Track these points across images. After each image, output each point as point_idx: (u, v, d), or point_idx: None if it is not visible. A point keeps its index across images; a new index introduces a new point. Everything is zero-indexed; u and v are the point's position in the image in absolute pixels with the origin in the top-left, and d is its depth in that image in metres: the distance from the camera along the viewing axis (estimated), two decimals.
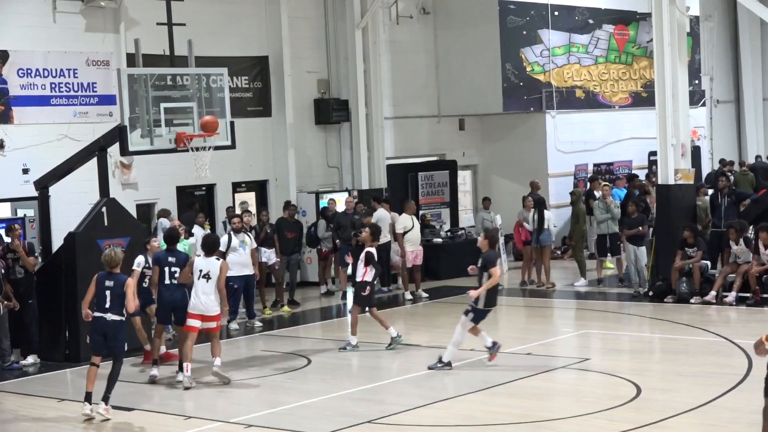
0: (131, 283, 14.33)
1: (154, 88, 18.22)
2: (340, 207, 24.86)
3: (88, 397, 14.08)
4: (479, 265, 16.64)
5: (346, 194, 26.09)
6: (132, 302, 14.11)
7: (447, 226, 28.11)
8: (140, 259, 17.11)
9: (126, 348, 14.82)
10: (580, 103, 30.89)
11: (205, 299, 15.88)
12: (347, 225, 23.43)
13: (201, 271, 15.97)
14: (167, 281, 16.33)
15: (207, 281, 15.90)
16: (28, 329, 18.28)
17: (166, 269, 16.36)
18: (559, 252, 28.26)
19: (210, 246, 16.43)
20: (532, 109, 29.77)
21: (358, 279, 18.18)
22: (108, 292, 14.11)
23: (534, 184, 27.10)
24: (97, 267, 17.99)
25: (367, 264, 18.05)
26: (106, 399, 14.03)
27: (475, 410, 13.90)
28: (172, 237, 17.02)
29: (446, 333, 19.55)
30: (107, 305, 14.05)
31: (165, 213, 22.48)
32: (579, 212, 24.94)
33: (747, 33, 37.69)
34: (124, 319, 14.27)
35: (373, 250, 18.25)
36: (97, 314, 14.13)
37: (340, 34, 27.52)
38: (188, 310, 16.01)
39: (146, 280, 17.08)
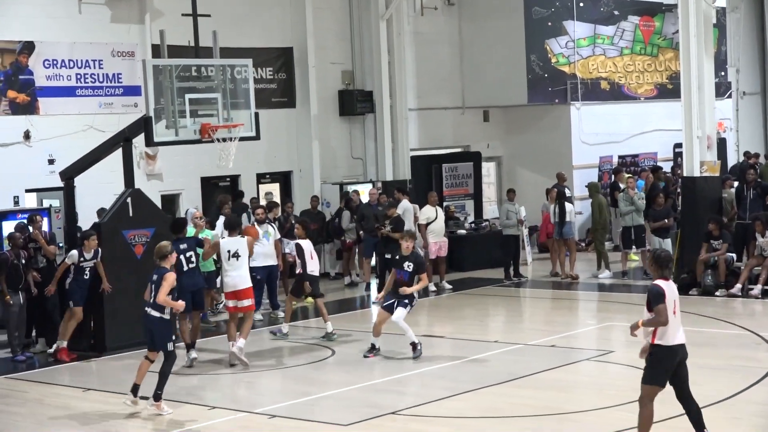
0: (167, 278, 13.79)
1: (179, 79, 18.27)
2: (365, 198, 24.86)
3: (134, 389, 13.95)
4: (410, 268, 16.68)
5: (370, 185, 26.09)
6: (162, 295, 13.64)
7: (471, 218, 28.09)
8: (74, 254, 17.68)
9: (171, 346, 13.91)
10: (605, 95, 30.77)
11: (235, 275, 16.63)
12: (371, 216, 23.45)
13: (229, 251, 16.69)
14: (185, 268, 16.77)
15: (237, 259, 16.66)
16: (51, 318, 18.40)
17: (181, 257, 16.71)
18: (582, 244, 28.20)
19: (232, 225, 17.29)
20: (557, 100, 29.69)
21: (298, 271, 18.49)
22: (152, 286, 13.92)
23: (560, 176, 27.02)
24: (122, 257, 18.24)
25: (299, 257, 18.31)
26: (156, 396, 13.74)
27: (498, 402, 13.91)
28: (177, 225, 17.57)
29: (470, 324, 19.66)
30: (151, 299, 13.90)
31: (225, 200, 22.59)
32: (596, 204, 24.88)
33: None
34: (163, 315, 13.83)
35: (304, 243, 18.37)
36: (145, 308, 14.02)
37: (364, 26, 27.50)
38: (224, 291, 16.91)
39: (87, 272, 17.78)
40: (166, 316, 13.87)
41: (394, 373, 15.96)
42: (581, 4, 30.19)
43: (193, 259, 17.00)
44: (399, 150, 27.45)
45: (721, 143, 30.17)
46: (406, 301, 16.60)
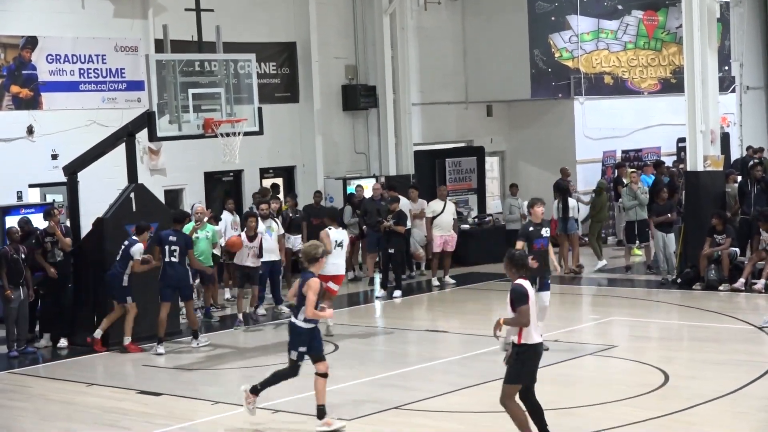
0: (312, 285, 12.50)
1: (182, 74, 18.29)
2: (368, 193, 24.86)
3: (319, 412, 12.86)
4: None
5: (373, 180, 26.08)
6: (310, 308, 12.51)
7: (474, 213, 28.08)
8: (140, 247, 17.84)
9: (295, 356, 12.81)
10: (609, 90, 30.74)
11: (339, 262, 18.21)
12: (374, 211, 23.43)
13: (336, 240, 18.17)
14: (167, 259, 17.51)
15: (341, 248, 18.19)
16: (66, 313, 18.41)
17: (167, 248, 17.45)
18: (586, 239, 28.17)
19: (334, 215, 19.34)
20: (560, 95, 29.66)
21: None
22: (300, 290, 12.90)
23: (564, 171, 27.07)
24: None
25: None
26: (253, 388, 12.93)
27: (488, 397, 13.88)
28: (179, 217, 18.38)
29: (474, 319, 19.63)
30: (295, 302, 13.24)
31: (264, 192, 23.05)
32: (597, 202, 24.92)
33: None
34: (297, 322, 12.72)
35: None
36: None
37: (367, 20, 27.48)
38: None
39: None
40: (304, 325, 12.62)
41: (398, 367, 15.96)
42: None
43: (177, 254, 17.57)
44: (402, 145, 27.44)
45: (725, 138, 30.08)
46: (549, 281, 16.72)
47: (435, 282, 23.54)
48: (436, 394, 14.07)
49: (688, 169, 22.81)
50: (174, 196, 23.95)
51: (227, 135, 18.65)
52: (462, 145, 29.74)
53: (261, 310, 20.58)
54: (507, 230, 24.86)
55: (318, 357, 12.69)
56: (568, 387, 14.55)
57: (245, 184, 25.32)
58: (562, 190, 24.99)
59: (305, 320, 12.53)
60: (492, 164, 30.61)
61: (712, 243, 21.65)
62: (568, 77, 29.59)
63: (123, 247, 17.73)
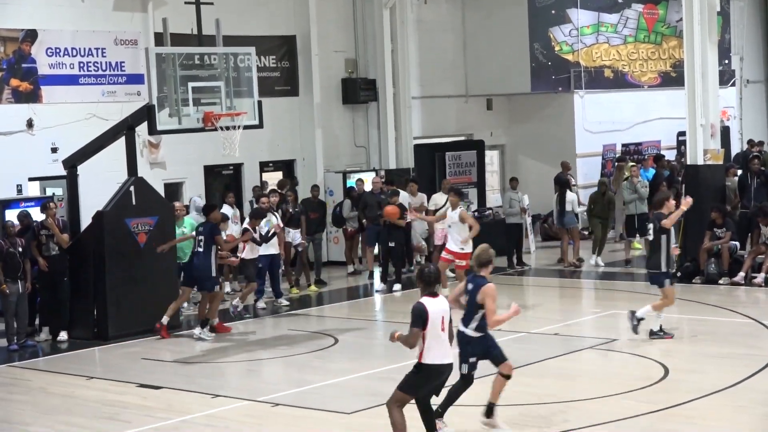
0: (488, 292, 11.76)
1: (181, 68, 18.26)
2: (368, 187, 24.83)
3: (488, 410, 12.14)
4: None
5: (373, 174, 26.05)
6: (491, 316, 11.77)
7: (474, 206, 28.04)
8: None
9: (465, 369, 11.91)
10: (609, 83, 30.71)
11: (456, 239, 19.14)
12: (374, 205, 23.40)
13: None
14: (195, 249, 18.13)
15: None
16: (63, 306, 18.41)
17: (196, 238, 18.12)
18: (586, 233, 28.14)
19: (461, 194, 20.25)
20: (560, 89, 29.63)
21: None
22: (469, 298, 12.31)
23: (564, 165, 27.05)
24: (125, 245, 18.22)
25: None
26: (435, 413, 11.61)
27: (478, 392, 13.86)
28: (209, 209, 18.79)
29: None
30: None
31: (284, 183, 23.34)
32: (600, 198, 24.78)
33: None
34: (467, 331, 11.91)
35: None
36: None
37: (367, 14, 27.42)
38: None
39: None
40: (472, 333, 11.78)
41: (397, 361, 15.89)
42: None
43: (202, 244, 17.87)
44: (402, 138, 27.41)
45: (725, 131, 30.05)
46: None
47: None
48: None
49: (688, 162, 22.79)
50: (174, 189, 23.90)
51: (227, 128, 18.64)
52: (462, 138, 29.70)
53: (261, 304, 20.56)
54: (507, 224, 24.80)
55: (500, 359, 11.93)
56: (568, 380, 14.55)
57: (245, 178, 25.28)
58: (563, 183, 24.96)
59: (476, 329, 11.70)
60: (492, 158, 30.58)
61: (712, 237, 21.64)
62: (568, 71, 29.55)
63: (200, 236, 18.04)
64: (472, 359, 11.79)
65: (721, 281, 21.28)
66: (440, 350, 10.70)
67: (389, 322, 18.26)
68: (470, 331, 11.71)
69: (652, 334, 16.58)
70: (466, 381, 11.84)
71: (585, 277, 23.61)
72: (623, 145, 30.72)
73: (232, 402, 13.78)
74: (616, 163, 28.10)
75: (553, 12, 29.43)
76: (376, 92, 27.32)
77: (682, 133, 26.91)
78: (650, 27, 31.90)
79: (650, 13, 31.91)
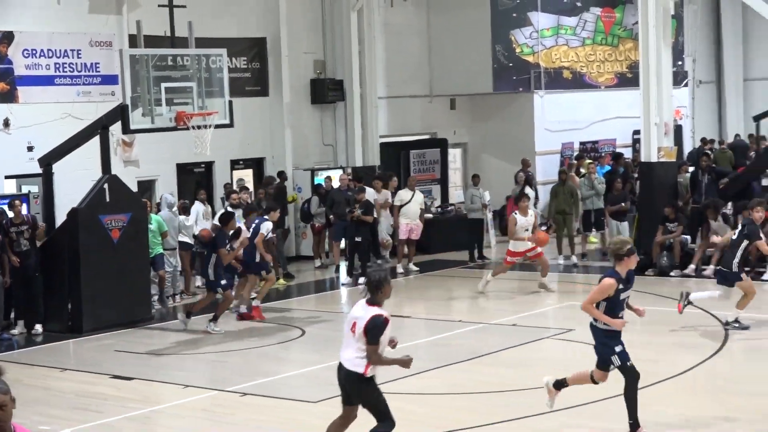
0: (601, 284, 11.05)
1: (155, 69, 18.22)
2: (336, 184, 24.83)
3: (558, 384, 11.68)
4: None
5: (340, 171, 26.05)
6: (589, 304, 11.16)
7: (438, 202, 28.11)
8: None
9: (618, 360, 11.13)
10: (568, 84, 30.81)
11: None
12: (341, 201, 23.41)
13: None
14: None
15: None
16: (35, 301, 18.31)
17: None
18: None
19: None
20: (521, 89, 29.71)
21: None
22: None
23: (525, 162, 27.16)
24: (98, 242, 18.17)
25: None
26: (632, 426, 11.02)
27: (463, 379, 13.94)
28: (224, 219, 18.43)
29: (436, 304, 19.66)
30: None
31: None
32: (561, 188, 24.74)
33: (729, 16, 37.66)
34: (597, 324, 11.25)
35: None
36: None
37: (336, 17, 27.41)
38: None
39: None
40: (600, 325, 11.06)
41: None
42: None
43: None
44: (368, 137, 27.41)
45: (678, 130, 30.28)
46: None
47: (400, 269, 23.54)
48: (399, 377, 14.03)
49: (643, 160, 22.92)
50: (147, 186, 23.84)
51: (199, 128, 18.63)
52: (426, 137, 29.74)
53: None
54: (469, 219, 24.87)
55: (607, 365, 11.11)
56: (527, 369, 14.59)
57: (216, 176, 25.22)
58: (527, 180, 25.03)
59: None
60: (455, 156, 30.62)
61: (665, 231, 21.79)
62: (528, 72, 29.63)
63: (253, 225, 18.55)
64: (618, 347, 10.91)
65: (672, 273, 21.43)
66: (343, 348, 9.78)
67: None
68: (599, 323, 10.98)
69: (728, 325, 16.49)
70: (628, 373, 10.87)
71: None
72: (581, 143, 30.85)
73: (202, 392, 13.77)
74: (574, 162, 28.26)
75: (514, 15, 29.49)
76: (344, 92, 27.30)
77: (637, 132, 27.04)
78: (607, 30, 32.02)
79: (608, 16, 32.02)
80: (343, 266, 23.47)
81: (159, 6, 20.31)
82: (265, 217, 18.88)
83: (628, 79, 31.20)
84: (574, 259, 23.84)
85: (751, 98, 37.95)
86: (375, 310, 9.45)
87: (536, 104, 29.90)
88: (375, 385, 9.77)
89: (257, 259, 18.43)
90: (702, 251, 21.49)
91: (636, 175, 24.68)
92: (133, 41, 21.45)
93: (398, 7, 29.01)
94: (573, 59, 30.96)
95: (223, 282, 17.75)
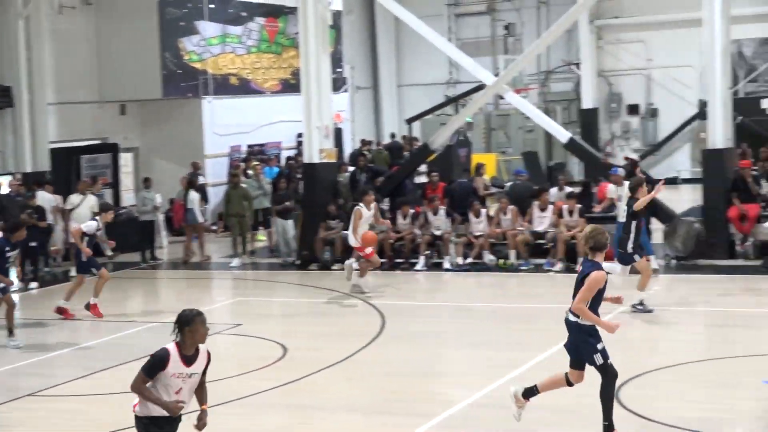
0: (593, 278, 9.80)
1: None
2: (5, 189, 23.77)
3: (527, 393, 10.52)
4: None
5: (10, 177, 24.93)
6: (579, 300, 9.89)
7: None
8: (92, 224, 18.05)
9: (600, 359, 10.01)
10: (235, 90, 30.88)
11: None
12: (12, 206, 22.41)
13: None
14: None
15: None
16: None
17: None
18: (214, 228, 28.25)
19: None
20: (190, 95, 29.49)
21: None
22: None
23: (195, 165, 26.99)
24: None
25: None
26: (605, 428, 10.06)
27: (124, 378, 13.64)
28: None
29: (108, 305, 19.10)
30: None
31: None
32: (233, 191, 24.73)
33: (383, 27, 39.00)
34: (579, 320, 10.02)
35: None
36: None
37: (2, 23, 26.17)
38: None
39: None
40: (584, 322, 9.92)
41: (35, 356, 15.36)
42: (212, 6, 30.11)
43: None
44: (38, 143, 26.32)
45: (339, 132, 31.00)
46: None
47: (72, 272, 22.78)
48: (70, 379, 13.68)
49: (306, 161, 23.28)
50: None
51: None
52: (97, 142, 28.99)
53: None
54: (141, 221, 24.49)
55: (581, 364, 10.09)
56: None
57: None
58: (191, 183, 24.90)
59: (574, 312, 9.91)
60: (126, 160, 29.98)
61: (327, 227, 22.23)
62: (197, 78, 29.46)
63: None
64: (600, 345, 9.89)
65: (334, 267, 21.88)
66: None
67: (28, 320, 17.58)
68: (582, 320, 9.91)
69: (635, 308, 16.07)
70: (607, 372, 9.93)
71: (214, 269, 23.60)
72: (249, 146, 30.98)
73: None
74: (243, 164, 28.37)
75: (182, 24, 29.22)
76: (12, 99, 26.15)
77: (300, 135, 27.43)
78: (272, 38, 32.34)
79: (271, 25, 32.34)
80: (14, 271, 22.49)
81: None
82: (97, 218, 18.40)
83: (292, 85, 31.60)
84: (245, 258, 23.79)
85: (405, 102, 39.48)
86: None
87: (205, 109, 29.79)
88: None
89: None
90: None
91: (300, 175, 25.03)
92: None
93: (67, 14, 28.05)
94: (240, 66, 31.05)
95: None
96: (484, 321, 16.77)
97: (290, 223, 23.16)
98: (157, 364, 8.15)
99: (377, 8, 37.68)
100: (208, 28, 29.98)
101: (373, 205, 19.16)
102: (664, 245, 20.53)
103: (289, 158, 29.65)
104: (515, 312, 17.26)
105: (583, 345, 9.89)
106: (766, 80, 34.54)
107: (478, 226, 21.49)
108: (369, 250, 18.78)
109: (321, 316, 17.47)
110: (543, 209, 21.30)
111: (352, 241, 19.03)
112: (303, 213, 23.08)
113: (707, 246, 20.50)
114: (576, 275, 10.01)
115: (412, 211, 22.08)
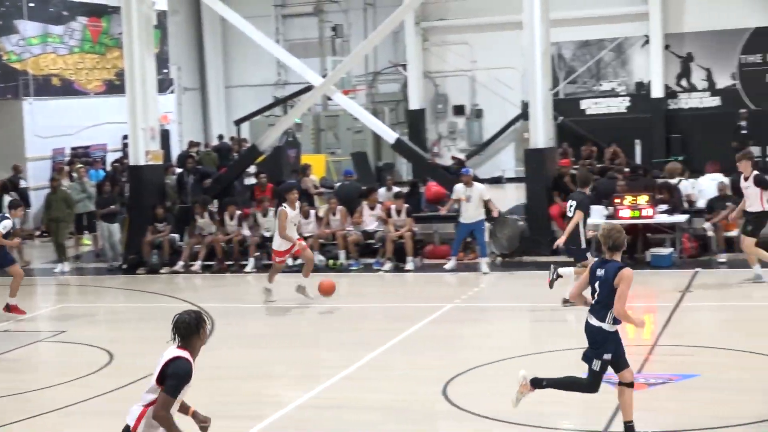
0: (625, 276, 9.39)
1: None
2: None
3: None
4: None
5: None
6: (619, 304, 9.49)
7: None
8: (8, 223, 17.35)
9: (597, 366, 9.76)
10: (57, 91, 30.09)
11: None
12: None
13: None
14: None
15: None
16: None
17: None
18: (38, 233, 27.47)
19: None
20: (9, 96, 28.60)
21: None
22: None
23: (16, 168, 26.22)
24: None
25: None
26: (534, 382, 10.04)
27: None
28: None
29: None
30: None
31: None
32: (53, 197, 23.93)
33: (210, 28, 38.62)
34: (603, 325, 9.62)
35: None
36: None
37: None
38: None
39: None
40: (609, 327, 9.59)
41: None
42: (31, 5, 29.27)
43: None
44: None
45: (165, 134, 30.57)
46: None
47: None
48: None
49: (131, 163, 22.87)
50: None
51: None
52: None
53: None
54: None
55: (624, 364, 9.71)
56: (24, 373, 14.15)
57: None
58: (4, 187, 24.21)
59: (614, 321, 9.50)
60: None
61: (154, 230, 21.89)
62: (17, 79, 28.60)
63: None
64: (607, 355, 9.57)
65: (162, 270, 21.57)
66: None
67: None
68: (608, 326, 9.51)
69: (566, 302, 15.78)
70: (593, 381, 9.69)
71: (37, 274, 22.87)
72: (72, 149, 30.23)
73: None
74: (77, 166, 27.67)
75: (1, 23, 28.32)
76: None
77: (126, 137, 26.91)
78: (95, 38, 31.66)
79: (94, 25, 31.65)
80: None
81: None
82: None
83: (116, 86, 31.00)
84: (66, 265, 23.01)
85: (233, 104, 39.19)
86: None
87: (26, 111, 28.93)
88: None
89: None
90: (190, 248, 21.78)
91: (125, 178, 24.58)
92: None
93: None
94: (62, 67, 30.29)
95: None
96: (317, 322, 16.78)
97: (116, 226, 22.68)
98: (185, 379, 7.36)
99: (203, 8, 37.26)
100: (28, 28, 29.16)
101: (297, 204, 17.82)
102: (489, 243, 20.93)
103: (114, 161, 29.09)
104: (347, 312, 17.32)
105: (595, 344, 9.61)
106: (584, 82, 35.58)
107: (308, 227, 21.50)
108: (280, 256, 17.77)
109: (148, 321, 17.17)
110: (372, 209, 21.46)
111: (276, 244, 17.76)
112: (129, 216, 22.66)
113: (531, 243, 20.98)
114: (577, 277, 9.71)
115: (239, 212, 21.91)
